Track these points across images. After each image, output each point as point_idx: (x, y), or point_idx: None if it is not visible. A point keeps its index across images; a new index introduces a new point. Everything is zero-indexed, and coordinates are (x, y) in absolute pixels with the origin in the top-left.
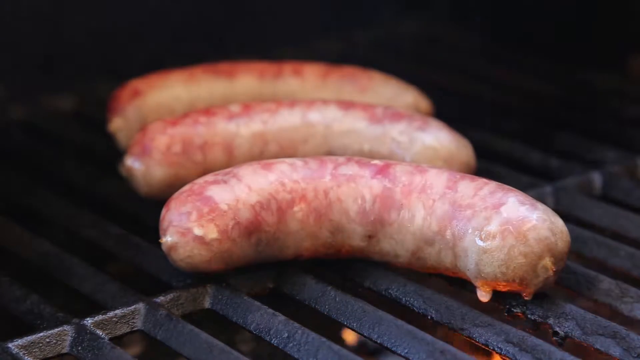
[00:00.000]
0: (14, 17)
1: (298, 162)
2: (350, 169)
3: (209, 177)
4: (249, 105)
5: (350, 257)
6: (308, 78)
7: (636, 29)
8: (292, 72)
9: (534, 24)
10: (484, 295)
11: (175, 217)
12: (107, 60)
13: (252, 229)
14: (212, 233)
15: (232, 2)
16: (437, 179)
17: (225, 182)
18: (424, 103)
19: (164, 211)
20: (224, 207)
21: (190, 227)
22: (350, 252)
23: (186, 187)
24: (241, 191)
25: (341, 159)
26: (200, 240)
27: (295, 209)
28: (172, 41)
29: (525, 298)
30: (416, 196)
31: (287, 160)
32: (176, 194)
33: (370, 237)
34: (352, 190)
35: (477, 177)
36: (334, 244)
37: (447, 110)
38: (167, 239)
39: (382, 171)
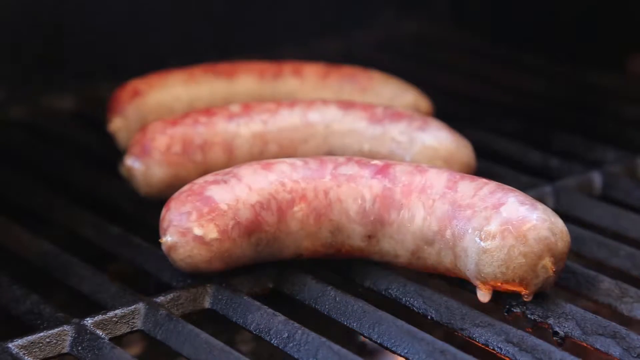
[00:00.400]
0: (14, 17)
1: (298, 162)
2: (350, 169)
3: (209, 177)
4: (249, 105)
5: (350, 257)
6: (308, 78)
7: (636, 29)
8: (292, 72)
9: (534, 24)
10: (484, 295)
11: (175, 217)
12: (107, 60)
13: (252, 228)
14: (212, 233)
15: (232, 2)
16: (437, 179)
17: (225, 182)
18: (424, 103)
19: (164, 211)
20: (224, 207)
21: (190, 227)
22: (350, 252)
23: (186, 187)
24: (241, 191)
25: (341, 159)
26: (200, 240)
27: (295, 208)
28: (172, 41)
29: (525, 298)
30: (416, 196)
31: (287, 160)
32: (176, 194)
33: (370, 237)
34: (352, 190)
35: (477, 177)
36: (334, 244)
37: (447, 110)
38: (167, 239)
39: (382, 171)
